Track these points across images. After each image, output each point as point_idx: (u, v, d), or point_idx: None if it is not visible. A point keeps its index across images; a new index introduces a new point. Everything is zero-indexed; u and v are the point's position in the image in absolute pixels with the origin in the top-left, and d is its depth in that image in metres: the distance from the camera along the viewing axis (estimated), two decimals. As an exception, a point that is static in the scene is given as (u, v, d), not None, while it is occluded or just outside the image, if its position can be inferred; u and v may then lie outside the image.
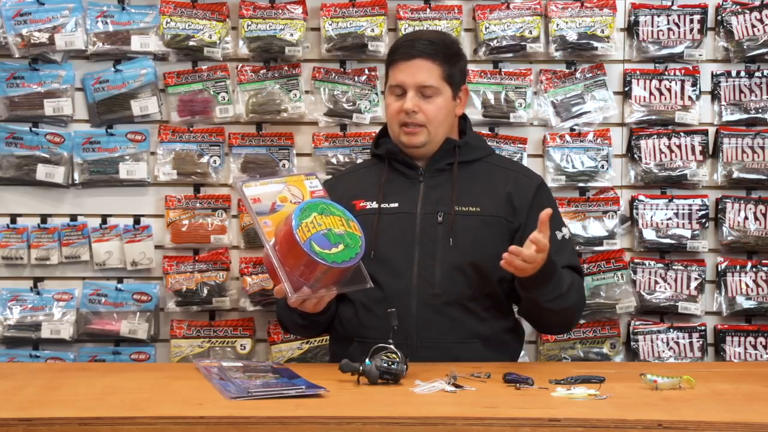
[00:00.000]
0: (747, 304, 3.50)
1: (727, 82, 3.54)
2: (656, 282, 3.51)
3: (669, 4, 3.54)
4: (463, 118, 2.95)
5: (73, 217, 3.49)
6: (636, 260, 3.52)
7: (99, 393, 2.24)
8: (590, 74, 3.52)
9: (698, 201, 3.51)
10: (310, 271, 2.40)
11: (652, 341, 3.50)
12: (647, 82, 3.52)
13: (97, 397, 2.19)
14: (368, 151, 3.45)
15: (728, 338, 3.50)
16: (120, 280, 3.50)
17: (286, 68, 3.50)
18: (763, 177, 3.50)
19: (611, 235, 3.49)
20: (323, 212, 2.45)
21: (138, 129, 3.50)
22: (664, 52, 3.52)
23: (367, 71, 3.50)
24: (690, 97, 3.52)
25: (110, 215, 3.50)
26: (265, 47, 3.46)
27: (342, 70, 3.51)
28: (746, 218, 3.51)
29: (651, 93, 3.52)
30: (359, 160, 3.43)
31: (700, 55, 3.52)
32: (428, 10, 3.50)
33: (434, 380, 2.27)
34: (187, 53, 3.48)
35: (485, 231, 2.76)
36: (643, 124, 3.53)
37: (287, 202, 2.52)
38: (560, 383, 2.33)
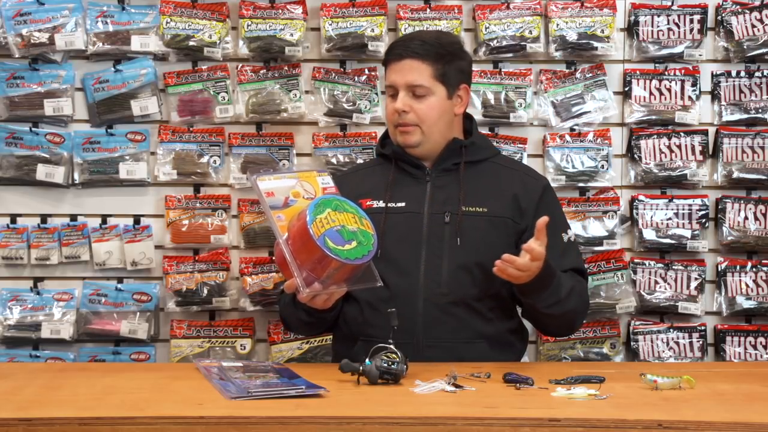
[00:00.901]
0: (747, 304, 3.50)
1: (727, 82, 3.54)
2: (656, 282, 3.51)
3: (669, 4, 3.54)
4: (469, 119, 2.96)
5: (73, 217, 3.49)
6: (636, 260, 3.52)
7: (99, 393, 2.24)
8: (590, 74, 3.52)
9: (698, 201, 3.51)
10: (322, 267, 2.41)
11: (652, 341, 3.50)
12: (647, 82, 3.52)
13: (97, 397, 2.19)
14: (368, 151, 3.46)
15: (728, 338, 3.50)
16: (120, 280, 3.50)
17: (286, 68, 3.50)
18: (763, 177, 3.50)
19: (611, 235, 3.49)
20: (337, 208, 2.47)
21: (138, 129, 3.50)
22: (664, 52, 3.52)
23: (367, 71, 3.50)
24: (690, 97, 3.52)
25: (110, 215, 3.50)
26: (265, 47, 3.46)
27: (342, 70, 3.51)
28: (746, 218, 3.51)
29: (651, 93, 3.52)
30: (359, 160, 3.43)
31: (700, 55, 3.52)
32: (428, 10, 3.50)
33: (434, 380, 2.27)
34: (187, 53, 3.48)
35: (492, 231, 2.77)
36: (643, 124, 3.53)
37: (300, 197, 2.52)
38: (560, 383, 2.33)
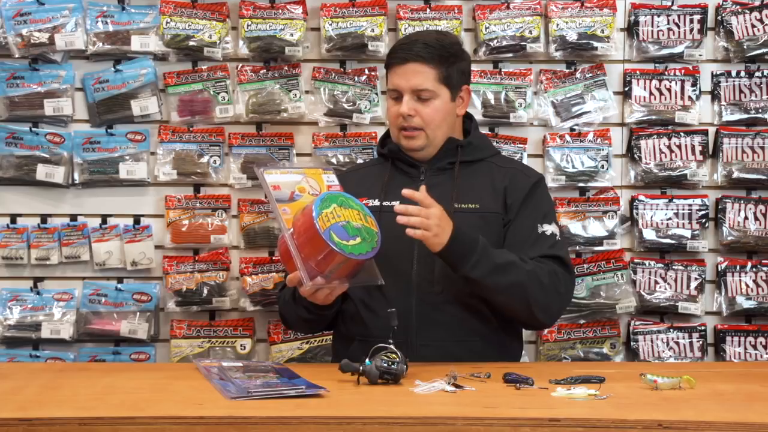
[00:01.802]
0: (747, 304, 3.50)
1: (727, 82, 3.54)
2: (656, 282, 3.51)
3: (669, 4, 3.54)
4: (469, 118, 2.95)
5: (73, 217, 3.49)
6: (636, 260, 3.52)
7: (99, 393, 2.24)
8: (590, 74, 3.52)
9: (698, 201, 3.51)
10: (326, 261, 2.43)
11: (652, 341, 3.50)
12: (647, 82, 3.52)
13: (97, 397, 2.19)
14: (368, 151, 3.46)
15: (728, 338, 3.51)
16: (120, 280, 3.50)
17: (286, 68, 3.50)
18: (763, 177, 3.51)
19: (611, 235, 3.49)
20: (343, 204, 2.49)
21: (138, 129, 3.50)
22: (664, 52, 3.52)
23: (367, 71, 3.50)
24: (690, 97, 3.52)
25: (110, 215, 3.50)
26: (265, 47, 3.46)
27: (342, 70, 3.51)
28: (746, 218, 3.51)
29: (651, 93, 3.52)
30: (359, 160, 3.43)
31: (700, 55, 3.52)
32: (428, 10, 3.50)
33: (434, 380, 2.27)
34: (187, 53, 3.48)
35: (484, 227, 2.76)
36: (643, 124, 3.53)
37: (305, 192, 2.54)
38: (560, 383, 2.32)
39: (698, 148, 3.51)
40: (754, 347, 3.50)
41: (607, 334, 3.51)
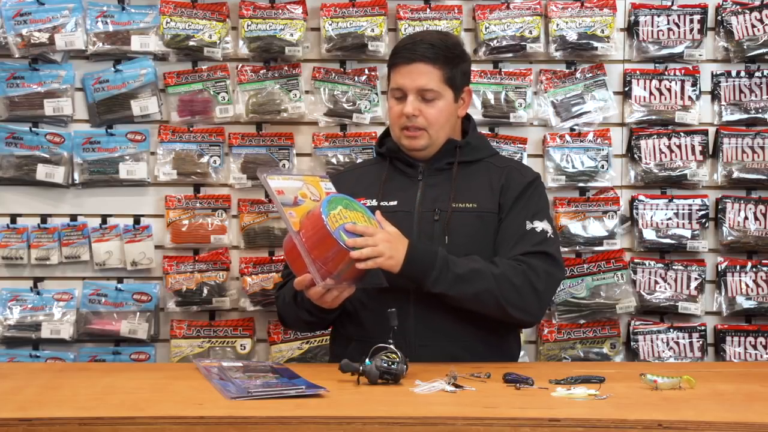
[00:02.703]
0: (747, 304, 3.50)
1: (727, 82, 3.54)
2: (656, 282, 3.51)
3: (669, 4, 3.54)
4: (467, 119, 2.95)
5: (73, 217, 3.50)
6: (636, 260, 3.52)
7: (99, 393, 2.24)
8: (590, 74, 3.52)
9: (698, 201, 3.51)
10: (336, 262, 2.44)
11: (652, 341, 3.50)
12: (647, 82, 3.52)
13: (97, 397, 2.19)
14: (368, 151, 3.46)
15: (728, 338, 3.51)
16: (120, 280, 3.50)
17: (286, 68, 3.50)
18: (763, 177, 3.51)
19: (611, 235, 3.49)
20: (348, 207, 2.52)
21: (138, 129, 3.50)
22: (664, 52, 3.52)
23: (367, 71, 3.50)
24: (690, 97, 3.52)
25: (110, 215, 3.50)
26: (265, 47, 3.46)
27: (342, 70, 3.51)
28: (746, 218, 3.51)
29: (651, 93, 3.52)
30: (359, 160, 3.43)
31: (700, 55, 3.52)
32: (428, 10, 3.50)
33: (434, 380, 2.27)
34: (187, 53, 3.48)
35: (481, 227, 2.76)
36: (643, 124, 3.53)
37: (307, 198, 2.55)
38: (560, 383, 2.32)
39: (698, 148, 3.51)
40: (754, 347, 3.50)
41: (607, 334, 3.51)
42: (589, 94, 3.52)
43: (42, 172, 3.46)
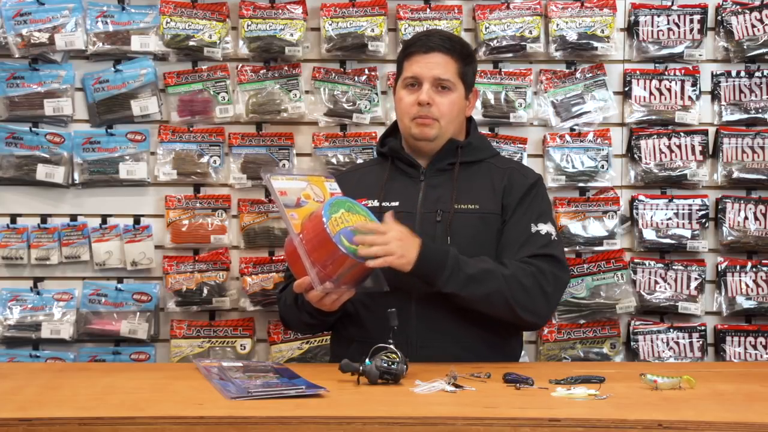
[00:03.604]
0: (747, 304, 3.50)
1: (727, 82, 3.54)
2: (656, 282, 3.51)
3: (669, 4, 3.54)
4: (469, 120, 2.95)
5: (73, 217, 3.50)
6: (636, 260, 3.52)
7: (99, 393, 2.24)
8: (590, 74, 3.52)
9: (698, 201, 3.51)
10: (335, 266, 2.43)
11: (652, 341, 3.50)
12: (647, 82, 3.53)
13: (97, 397, 2.19)
14: (368, 151, 3.46)
15: (728, 338, 3.51)
16: (120, 280, 3.50)
17: (286, 68, 3.50)
18: (763, 177, 3.51)
19: (611, 235, 3.49)
20: (350, 210, 2.50)
21: (138, 129, 3.50)
22: (664, 52, 3.52)
23: (367, 71, 3.50)
24: (690, 97, 3.52)
25: (110, 215, 3.50)
26: (265, 47, 3.46)
27: (342, 70, 3.51)
28: (746, 218, 3.51)
29: (651, 93, 3.52)
30: (359, 160, 3.43)
31: (700, 55, 3.52)
32: (428, 10, 3.50)
33: (434, 380, 2.27)
34: (187, 53, 3.48)
35: (483, 228, 2.76)
36: (643, 124, 3.53)
37: (311, 199, 2.54)
38: (560, 383, 2.32)
39: (698, 148, 3.51)
40: (754, 347, 3.50)
41: (607, 334, 3.51)
42: (589, 94, 3.52)
43: (42, 172, 3.46)
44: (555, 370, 2.61)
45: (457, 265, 2.62)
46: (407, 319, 2.68)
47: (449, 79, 2.78)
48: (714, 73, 3.54)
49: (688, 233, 3.50)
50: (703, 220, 3.50)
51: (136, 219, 3.50)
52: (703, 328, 3.52)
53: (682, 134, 3.52)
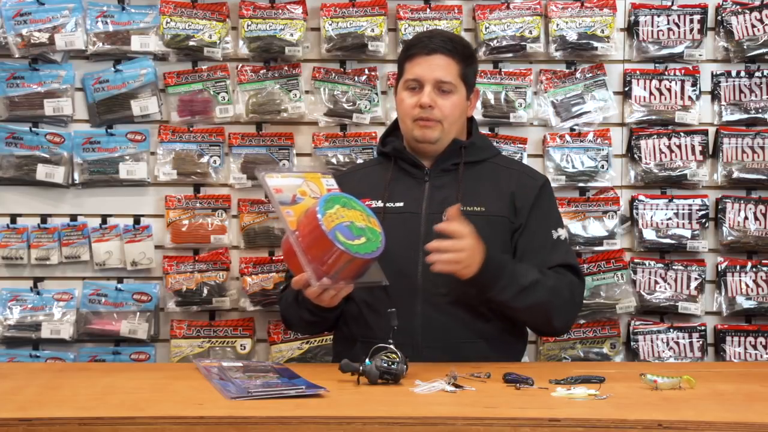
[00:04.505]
0: (747, 304, 3.50)
1: (727, 82, 3.54)
2: (656, 282, 3.51)
3: (669, 4, 3.54)
4: (470, 120, 2.95)
5: (73, 217, 3.50)
6: (636, 260, 3.52)
7: (99, 393, 2.24)
8: (590, 74, 3.52)
9: (698, 201, 3.51)
10: (332, 262, 2.42)
11: (652, 341, 3.50)
12: (647, 82, 3.53)
13: (97, 397, 2.19)
14: (368, 151, 3.46)
15: (728, 338, 3.51)
16: (120, 280, 3.50)
17: (286, 68, 3.50)
18: (763, 177, 3.51)
19: (611, 235, 3.49)
20: (345, 205, 2.48)
21: (138, 129, 3.50)
22: (664, 52, 3.52)
23: (367, 71, 3.50)
24: (690, 97, 3.52)
25: (110, 215, 3.50)
26: (265, 47, 3.46)
27: (342, 70, 3.51)
28: (746, 218, 3.51)
29: (651, 93, 3.52)
30: (359, 160, 3.43)
31: (700, 55, 3.52)
32: (428, 10, 3.50)
33: (434, 380, 2.27)
34: (187, 53, 3.48)
35: (489, 230, 2.76)
36: (643, 124, 3.53)
37: (307, 195, 2.53)
38: (560, 383, 2.32)
39: (698, 148, 3.51)
40: (754, 347, 3.50)
41: (607, 334, 3.51)
42: (589, 94, 3.52)
43: (42, 172, 3.46)
44: (555, 370, 2.61)
45: (513, 277, 2.65)
46: (412, 320, 2.68)
47: (451, 81, 2.78)
48: (714, 73, 3.54)
49: (688, 233, 3.50)
50: (703, 220, 3.50)
51: (136, 219, 3.50)
52: (703, 328, 3.52)
53: (682, 134, 3.52)
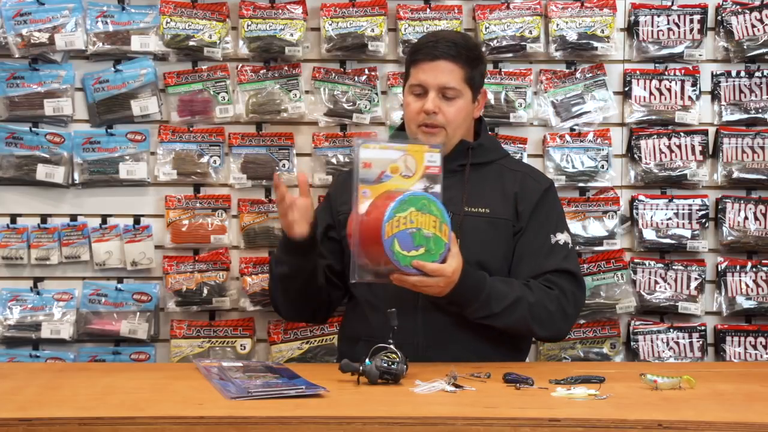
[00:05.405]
0: (747, 304, 3.50)
1: (727, 82, 3.54)
2: (656, 282, 3.51)
3: (669, 4, 3.54)
4: (479, 120, 2.95)
5: (73, 217, 3.49)
6: (636, 260, 3.52)
7: (99, 393, 2.24)
8: (590, 74, 3.52)
9: (698, 201, 3.51)
10: (381, 262, 2.42)
11: (652, 341, 3.50)
12: (647, 82, 3.52)
13: (97, 397, 2.19)
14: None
15: (728, 338, 3.51)
16: (120, 280, 3.50)
17: (286, 68, 3.50)
18: (763, 177, 3.51)
19: (611, 235, 3.49)
20: (422, 209, 2.42)
21: (138, 129, 3.50)
22: (664, 52, 3.52)
23: (367, 71, 3.50)
24: (690, 97, 3.52)
25: (110, 215, 3.50)
26: (265, 47, 3.46)
27: (342, 70, 3.51)
28: (746, 218, 3.51)
29: (651, 93, 3.52)
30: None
31: (700, 55, 3.52)
32: (428, 10, 3.50)
33: (434, 380, 2.27)
34: (187, 53, 3.48)
35: (493, 232, 2.76)
36: (643, 124, 3.53)
37: (397, 173, 2.47)
38: (560, 383, 2.33)
39: (698, 148, 3.51)
40: (754, 347, 3.50)
41: (607, 334, 3.51)
42: (589, 94, 3.52)
43: (42, 172, 3.46)
44: (555, 370, 2.61)
45: (489, 299, 2.64)
46: (414, 320, 2.68)
47: (455, 87, 2.78)
48: (714, 73, 3.54)
49: (688, 233, 3.50)
50: (703, 220, 3.50)
51: (136, 219, 3.50)
52: (703, 328, 3.52)
53: (682, 134, 3.52)
